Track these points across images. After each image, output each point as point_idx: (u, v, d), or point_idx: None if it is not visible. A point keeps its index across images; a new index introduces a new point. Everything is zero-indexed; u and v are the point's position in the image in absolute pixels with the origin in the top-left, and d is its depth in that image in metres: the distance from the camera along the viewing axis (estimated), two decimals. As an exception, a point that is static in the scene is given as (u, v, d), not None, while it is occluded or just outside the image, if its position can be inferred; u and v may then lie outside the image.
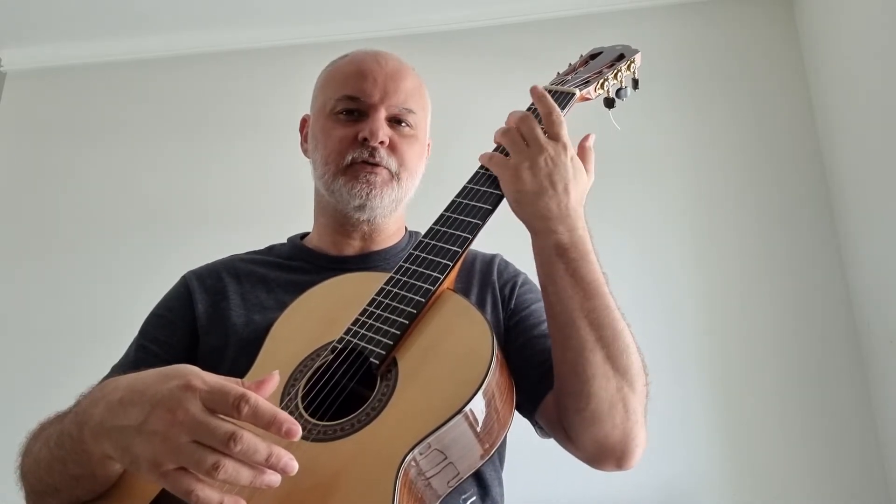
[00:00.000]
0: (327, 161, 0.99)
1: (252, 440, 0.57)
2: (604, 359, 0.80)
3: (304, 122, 1.10)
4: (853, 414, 2.01)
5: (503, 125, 0.91)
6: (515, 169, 0.84)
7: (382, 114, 0.99)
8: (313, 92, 1.08)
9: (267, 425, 0.58)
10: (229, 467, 0.57)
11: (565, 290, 0.81)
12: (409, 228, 1.11)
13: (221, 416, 0.58)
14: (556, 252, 0.82)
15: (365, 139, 0.97)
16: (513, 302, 0.98)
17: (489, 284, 0.99)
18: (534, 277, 1.01)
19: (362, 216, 1.01)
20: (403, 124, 1.01)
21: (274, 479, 0.59)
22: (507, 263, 1.05)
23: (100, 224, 2.45)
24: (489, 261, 1.03)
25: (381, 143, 0.97)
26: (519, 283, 1.01)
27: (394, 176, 0.99)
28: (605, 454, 0.83)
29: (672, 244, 2.22)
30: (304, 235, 1.11)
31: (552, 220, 0.83)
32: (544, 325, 0.92)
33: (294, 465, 0.59)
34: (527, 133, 0.86)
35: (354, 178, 0.97)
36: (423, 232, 1.09)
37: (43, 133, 2.60)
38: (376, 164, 0.97)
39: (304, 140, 1.09)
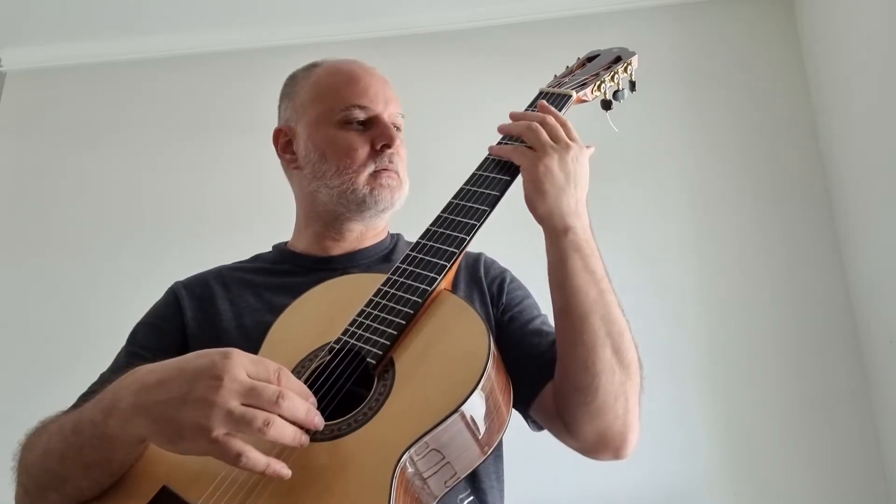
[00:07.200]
0: (346, 170, 1.00)
1: (295, 398, 0.64)
2: (612, 353, 0.82)
3: (281, 133, 1.08)
4: (853, 414, 2.01)
5: (511, 121, 0.91)
6: (546, 164, 0.85)
7: (387, 121, 1.02)
8: (287, 102, 1.09)
9: (299, 394, 0.65)
10: (279, 423, 0.62)
11: (581, 286, 0.83)
12: (395, 231, 1.14)
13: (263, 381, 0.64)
14: (573, 248, 0.84)
15: (385, 146, 1.00)
16: (503, 298, 1.00)
17: (476, 281, 1.01)
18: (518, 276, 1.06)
19: (365, 217, 1.03)
20: (398, 130, 1.04)
21: (307, 440, 0.66)
22: (492, 261, 1.07)
23: (99, 224, 2.45)
24: (474, 259, 1.06)
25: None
26: (507, 279, 1.04)
27: (401, 179, 1.03)
28: (604, 444, 0.86)
29: (672, 245, 2.22)
30: (287, 243, 1.12)
31: (570, 217, 0.85)
32: (538, 321, 0.97)
33: (320, 421, 0.67)
34: (552, 131, 0.87)
35: (380, 186, 1.00)
36: (404, 234, 1.12)
37: (43, 133, 2.60)
38: (392, 170, 1.02)
39: (287, 152, 1.07)
